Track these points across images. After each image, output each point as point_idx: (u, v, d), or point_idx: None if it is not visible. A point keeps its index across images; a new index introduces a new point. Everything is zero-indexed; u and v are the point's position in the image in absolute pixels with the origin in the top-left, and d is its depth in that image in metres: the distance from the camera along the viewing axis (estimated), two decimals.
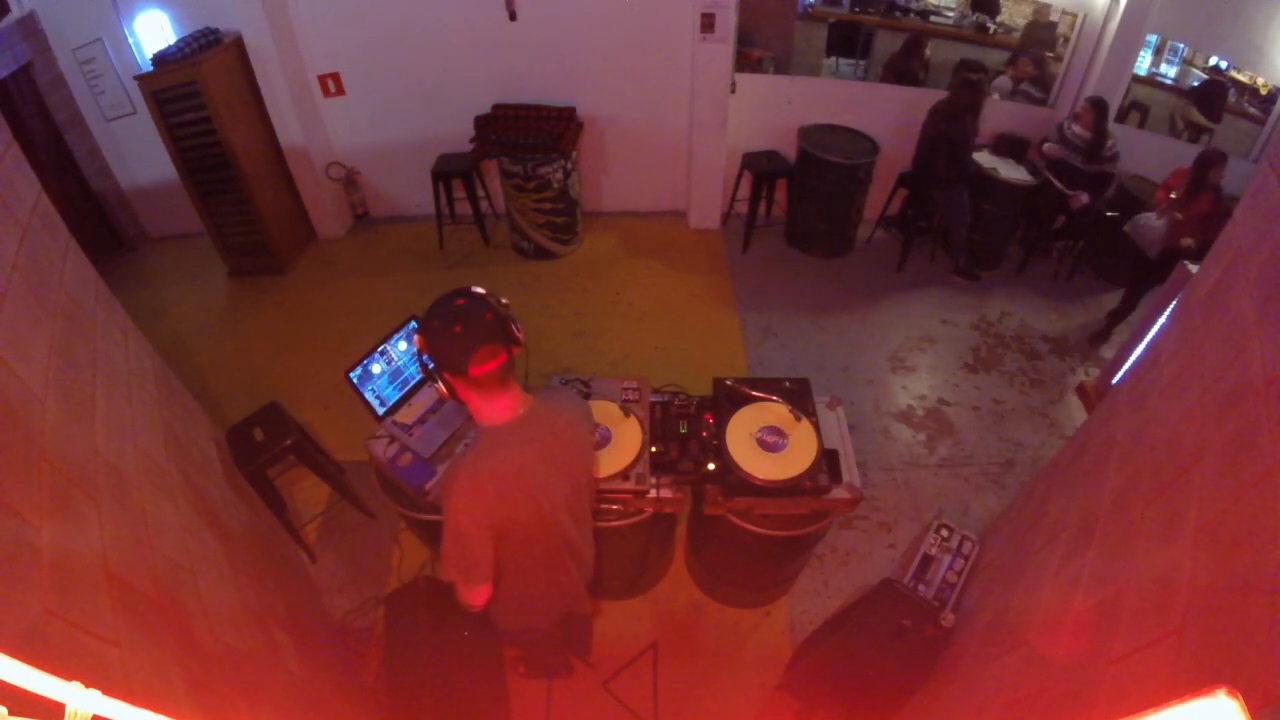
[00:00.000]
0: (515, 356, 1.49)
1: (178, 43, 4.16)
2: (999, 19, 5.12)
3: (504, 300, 1.49)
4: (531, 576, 1.78)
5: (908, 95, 4.78)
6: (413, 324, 2.42)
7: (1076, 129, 4.34)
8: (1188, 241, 3.80)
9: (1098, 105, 4.21)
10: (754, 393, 2.38)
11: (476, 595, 1.63)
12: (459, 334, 1.40)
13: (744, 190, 5.05)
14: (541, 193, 4.61)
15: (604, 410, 2.32)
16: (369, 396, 2.34)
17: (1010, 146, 4.71)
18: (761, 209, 4.94)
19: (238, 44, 4.33)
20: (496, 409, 1.52)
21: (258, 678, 1.69)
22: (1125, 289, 4.32)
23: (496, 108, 4.68)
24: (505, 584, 1.72)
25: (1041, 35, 4.88)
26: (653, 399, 2.48)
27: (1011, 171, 4.55)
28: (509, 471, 1.53)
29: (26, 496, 1.07)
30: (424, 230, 5.18)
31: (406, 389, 2.44)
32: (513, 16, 4.39)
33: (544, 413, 1.61)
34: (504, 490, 1.53)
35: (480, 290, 1.47)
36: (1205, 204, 3.81)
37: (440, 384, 1.48)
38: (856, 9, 5.59)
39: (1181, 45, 4.52)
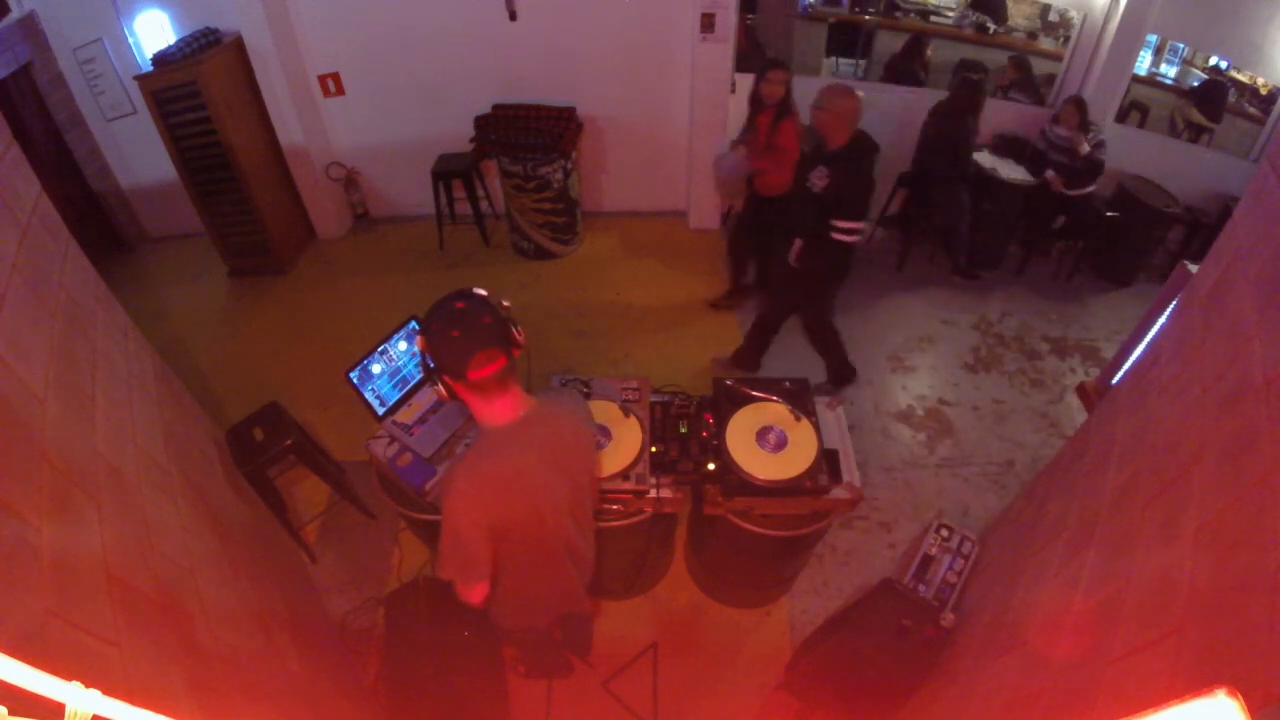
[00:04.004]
0: (516, 360, 1.49)
1: (178, 43, 4.17)
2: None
3: (505, 303, 1.48)
4: (531, 577, 1.78)
5: (908, 95, 4.78)
6: (413, 324, 2.42)
7: (1060, 131, 4.35)
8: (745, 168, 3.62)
9: (1080, 105, 4.22)
10: (754, 393, 2.38)
11: (473, 593, 1.63)
12: (457, 338, 1.39)
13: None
14: (541, 193, 4.61)
15: (604, 410, 2.32)
16: (369, 396, 2.34)
17: (1010, 146, 4.71)
18: None
19: (238, 44, 4.33)
20: (497, 411, 1.52)
21: (258, 678, 1.69)
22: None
23: (496, 108, 4.68)
24: (505, 584, 1.72)
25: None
26: (653, 399, 2.48)
27: (1011, 171, 4.55)
28: (508, 473, 1.53)
29: (26, 496, 1.07)
30: (424, 230, 5.17)
31: (406, 389, 2.44)
32: (513, 16, 4.39)
33: (545, 415, 1.60)
34: (503, 492, 1.53)
35: (482, 292, 1.45)
36: (762, 129, 3.66)
37: (441, 386, 1.48)
38: (856, 9, 5.61)
39: (1181, 45, 4.52)
